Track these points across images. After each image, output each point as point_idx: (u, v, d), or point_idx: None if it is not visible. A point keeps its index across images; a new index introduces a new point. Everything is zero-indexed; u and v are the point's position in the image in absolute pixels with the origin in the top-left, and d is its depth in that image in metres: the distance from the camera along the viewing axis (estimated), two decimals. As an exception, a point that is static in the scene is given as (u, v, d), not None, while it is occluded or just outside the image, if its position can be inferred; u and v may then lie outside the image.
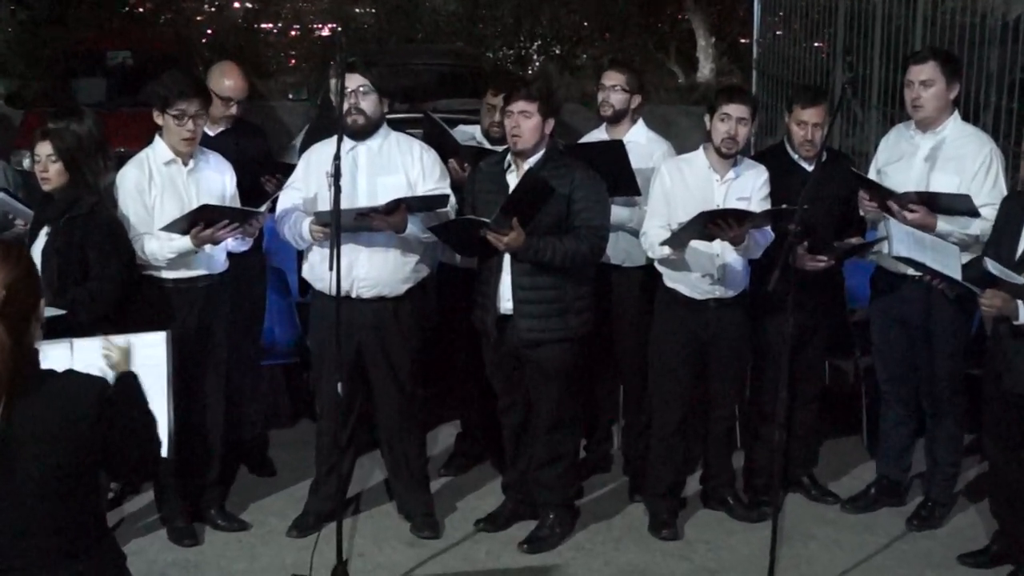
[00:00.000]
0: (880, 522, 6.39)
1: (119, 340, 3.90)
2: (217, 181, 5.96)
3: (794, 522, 6.26)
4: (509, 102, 5.80)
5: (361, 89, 5.80)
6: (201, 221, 5.62)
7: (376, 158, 5.87)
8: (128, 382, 3.39)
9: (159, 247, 5.72)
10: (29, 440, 3.07)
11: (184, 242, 5.67)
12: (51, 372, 3.18)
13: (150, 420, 3.33)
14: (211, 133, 6.40)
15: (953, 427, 6.27)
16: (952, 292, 5.71)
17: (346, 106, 5.71)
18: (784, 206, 5.70)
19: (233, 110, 6.49)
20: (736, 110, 5.85)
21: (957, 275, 5.45)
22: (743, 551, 6.02)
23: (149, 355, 3.85)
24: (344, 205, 5.35)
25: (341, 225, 5.29)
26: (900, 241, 5.69)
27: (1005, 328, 5.46)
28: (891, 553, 6.09)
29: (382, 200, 5.71)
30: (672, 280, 6.05)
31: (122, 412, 3.23)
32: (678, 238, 5.77)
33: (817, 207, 5.72)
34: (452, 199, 5.94)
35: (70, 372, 3.20)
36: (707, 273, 5.95)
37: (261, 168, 6.32)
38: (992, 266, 5.32)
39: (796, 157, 6.23)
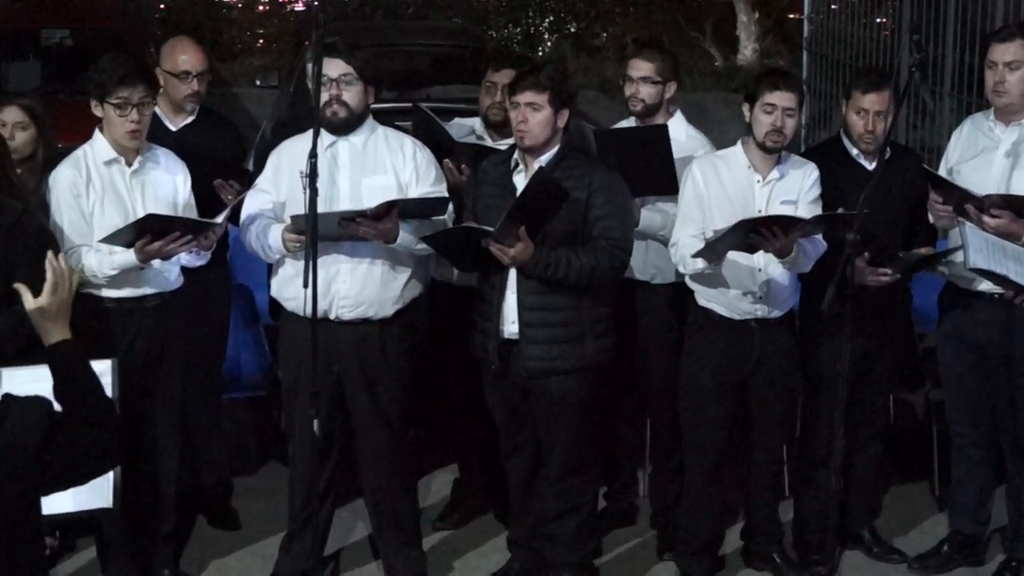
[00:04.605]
0: (955, 584, 6.42)
1: None
2: (167, 184, 5.95)
3: (853, 585, 6.27)
4: (515, 91, 5.80)
5: (344, 78, 5.80)
6: (148, 233, 5.60)
7: (360, 156, 5.89)
8: (66, 350, 3.39)
9: (98, 262, 5.70)
10: None
11: (128, 256, 5.64)
12: None
13: (99, 391, 3.35)
14: (172, 127, 6.45)
15: (1039, 472, 6.30)
16: None
17: (326, 96, 5.73)
18: (840, 210, 5.71)
19: (194, 86, 6.46)
20: (782, 98, 5.84)
21: None
22: (792, 619, 6.04)
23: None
24: (323, 209, 5.35)
25: (319, 233, 5.29)
26: (978, 250, 5.69)
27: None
28: (967, 621, 6.14)
29: (367, 204, 5.72)
30: (707, 298, 6.06)
31: (66, 396, 3.26)
32: (714, 250, 5.77)
33: (880, 211, 5.73)
34: (450, 206, 5.97)
35: (8, 398, 3.23)
36: (748, 290, 5.97)
37: (217, 171, 6.30)
38: None
39: (855, 153, 6.24)
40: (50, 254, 3.53)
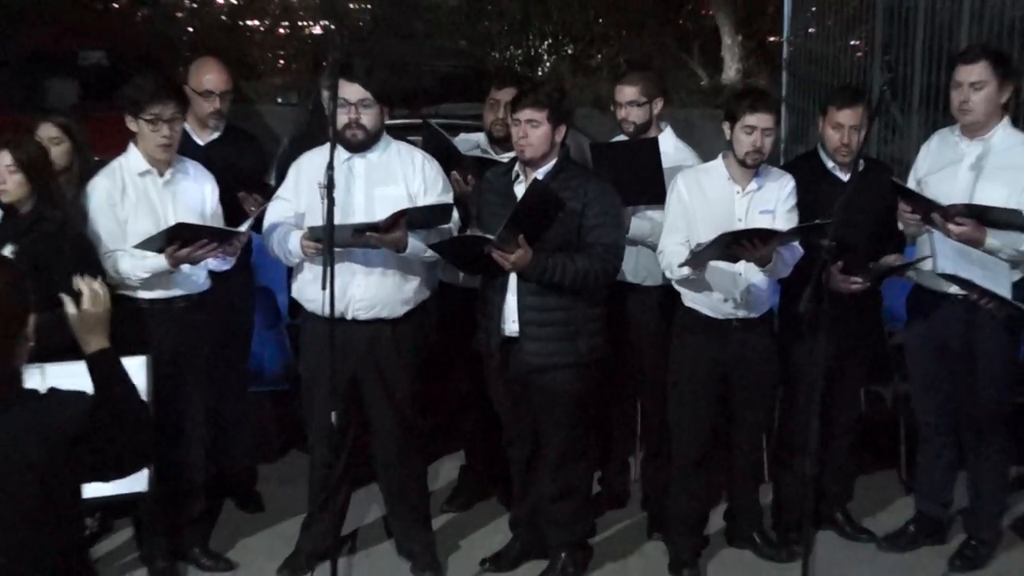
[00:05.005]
0: (920, 562, 6.43)
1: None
2: (196, 194, 5.95)
3: (826, 562, 6.27)
4: (516, 109, 5.79)
5: (362, 102, 5.77)
6: (178, 239, 5.60)
7: (374, 169, 5.88)
8: (104, 359, 3.39)
9: (132, 265, 5.71)
10: (5, 463, 3.11)
11: (159, 261, 5.65)
12: (33, 392, 3.22)
13: (134, 396, 3.35)
14: (200, 141, 6.43)
15: (997, 459, 6.30)
16: (1001, 313, 5.71)
17: (345, 119, 5.73)
18: (817, 221, 5.70)
19: (217, 104, 6.44)
20: (761, 120, 5.83)
21: (1007, 294, 5.48)
22: (771, 593, 6.05)
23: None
24: (339, 218, 5.33)
25: (336, 240, 5.30)
26: (945, 256, 5.71)
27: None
28: (931, 596, 6.15)
29: (380, 212, 5.71)
30: (692, 300, 6.07)
31: (104, 401, 3.26)
32: (699, 259, 5.77)
33: (853, 220, 5.68)
34: (455, 214, 5.98)
35: (53, 391, 3.23)
36: (729, 294, 5.97)
37: (242, 184, 6.29)
38: None
39: (831, 165, 6.24)
40: (77, 280, 3.53)
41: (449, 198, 5.98)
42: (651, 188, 6.13)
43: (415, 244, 5.78)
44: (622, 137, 6.57)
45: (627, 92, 6.44)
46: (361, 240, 5.65)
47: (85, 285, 3.49)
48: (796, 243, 5.88)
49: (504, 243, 5.56)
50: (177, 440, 5.94)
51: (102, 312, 3.49)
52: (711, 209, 5.95)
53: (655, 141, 6.30)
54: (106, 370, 3.37)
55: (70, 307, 3.45)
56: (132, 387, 3.39)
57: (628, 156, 6.24)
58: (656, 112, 6.48)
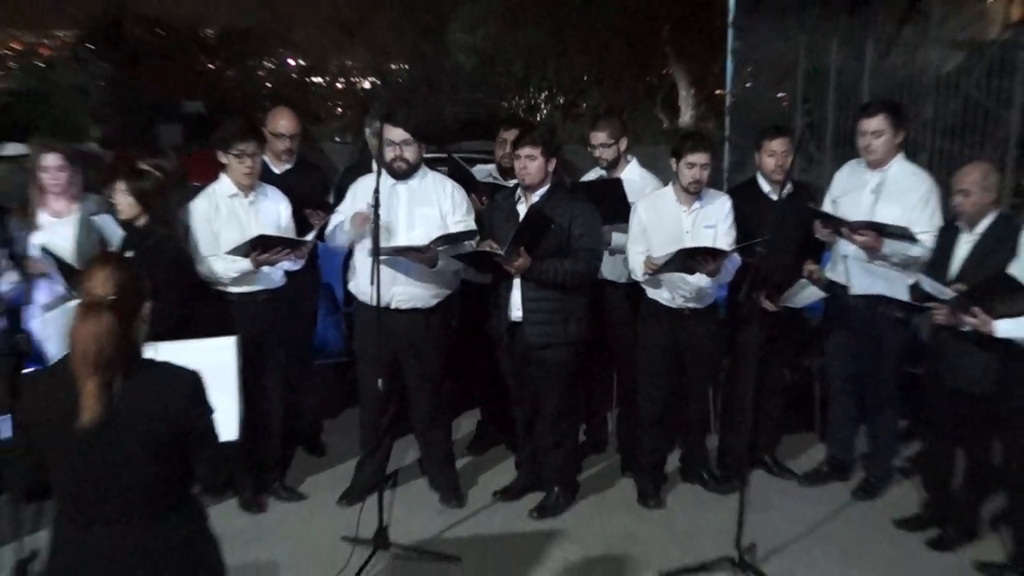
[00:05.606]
0: (829, 494, 6.43)
1: (198, 344, 3.96)
2: (273, 211, 5.94)
3: (758, 494, 6.26)
4: (517, 146, 5.78)
5: (404, 142, 5.75)
6: (259, 247, 5.61)
7: (414, 193, 5.84)
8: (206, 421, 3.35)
9: (224, 267, 5.71)
10: (133, 414, 3.11)
11: (245, 263, 5.66)
12: (151, 361, 3.22)
13: (216, 442, 3.32)
14: (277, 171, 6.42)
15: (891, 416, 6.30)
16: (902, 313, 5.71)
17: (392, 154, 5.70)
18: (755, 240, 5.61)
19: (288, 144, 6.43)
20: (700, 158, 5.80)
21: (906, 297, 5.48)
22: (715, 518, 6.02)
23: (220, 356, 3.88)
24: (384, 229, 5.34)
25: (382, 252, 5.29)
26: (859, 279, 5.69)
27: (945, 335, 5.44)
28: (838, 519, 6.12)
29: (418, 227, 5.72)
30: (653, 293, 6.04)
31: (203, 421, 3.26)
32: (664, 270, 5.74)
33: (783, 231, 5.70)
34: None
35: (167, 363, 3.23)
36: (680, 291, 5.95)
37: (309, 204, 6.27)
38: (927, 284, 5.34)
39: (767, 189, 6.19)
40: None
41: (471, 218, 5.92)
42: (620, 213, 6.10)
43: (442, 262, 5.75)
44: (598, 169, 6.54)
45: (598, 136, 6.40)
46: (404, 254, 5.66)
47: None
48: (736, 255, 5.83)
49: (509, 255, 5.58)
50: (259, 401, 5.93)
51: None
52: (664, 225, 5.92)
53: (620, 181, 6.23)
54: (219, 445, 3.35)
55: None
56: (215, 437, 3.34)
57: (602, 191, 6.22)
58: (623, 149, 6.42)
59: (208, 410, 3.26)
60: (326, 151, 15.32)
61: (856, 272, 5.74)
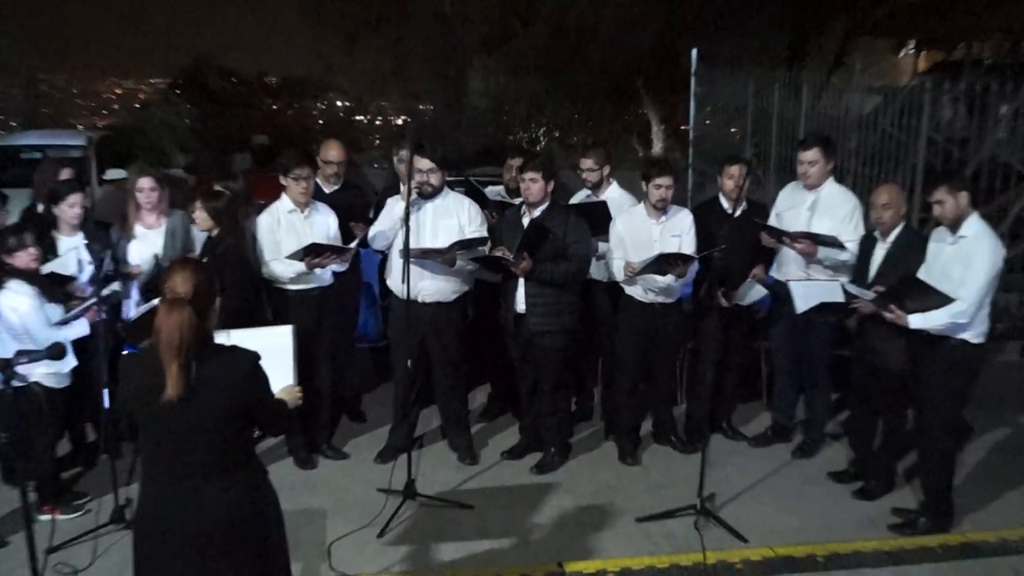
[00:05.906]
0: (774, 453, 6.38)
1: (262, 331, 3.93)
2: (324, 224, 5.92)
3: (716, 454, 6.25)
4: (523, 171, 5.77)
5: (430, 170, 5.72)
6: (312, 252, 5.62)
7: (438, 209, 5.80)
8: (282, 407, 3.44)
9: (283, 269, 5.72)
10: (207, 389, 3.09)
11: (300, 266, 5.66)
12: (221, 345, 3.21)
13: (274, 405, 3.35)
14: (327, 191, 6.39)
15: (824, 390, 6.27)
16: (834, 317, 5.75)
17: (420, 179, 5.67)
18: (714, 249, 5.66)
19: (336, 169, 6.40)
20: (665, 180, 5.78)
21: (842, 298, 5.47)
22: (682, 473, 6.00)
23: (280, 341, 3.87)
24: (414, 240, 5.33)
25: (411, 254, 5.28)
26: (801, 298, 5.70)
27: (868, 324, 5.45)
28: (781, 473, 6.09)
29: (441, 235, 5.69)
30: (629, 291, 6.02)
31: (265, 395, 3.26)
32: (641, 272, 5.73)
33: (738, 240, 5.72)
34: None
35: (234, 347, 3.22)
36: (650, 289, 5.92)
37: (353, 218, 6.26)
38: (852, 288, 5.38)
39: (726, 206, 6.14)
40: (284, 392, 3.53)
41: (484, 230, 5.90)
42: (603, 227, 6.09)
43: (460, 262, 5.74)
44: (586, 189, 6.52)
45: (586, 163, 6.40)
46: (429, 256, 5.63)
47: (288, 393, 3.54)
48: (696, 261, 5.80)
49: (516, 259, 5.57)
50: (312, 376, 5.92)
51: (292, 397, 3.55)
52: (638, 235, 5.91)
53: (604, 203, 6.21)
54: (277, 406, 3.38)
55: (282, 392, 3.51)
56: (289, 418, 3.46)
57: (591, 208, 6.18)
58: (606, 173, 6.42)
59: (265, 383, 3.23)
60: (366, 175, 15.35)
61: (798, 294, 5.72)
